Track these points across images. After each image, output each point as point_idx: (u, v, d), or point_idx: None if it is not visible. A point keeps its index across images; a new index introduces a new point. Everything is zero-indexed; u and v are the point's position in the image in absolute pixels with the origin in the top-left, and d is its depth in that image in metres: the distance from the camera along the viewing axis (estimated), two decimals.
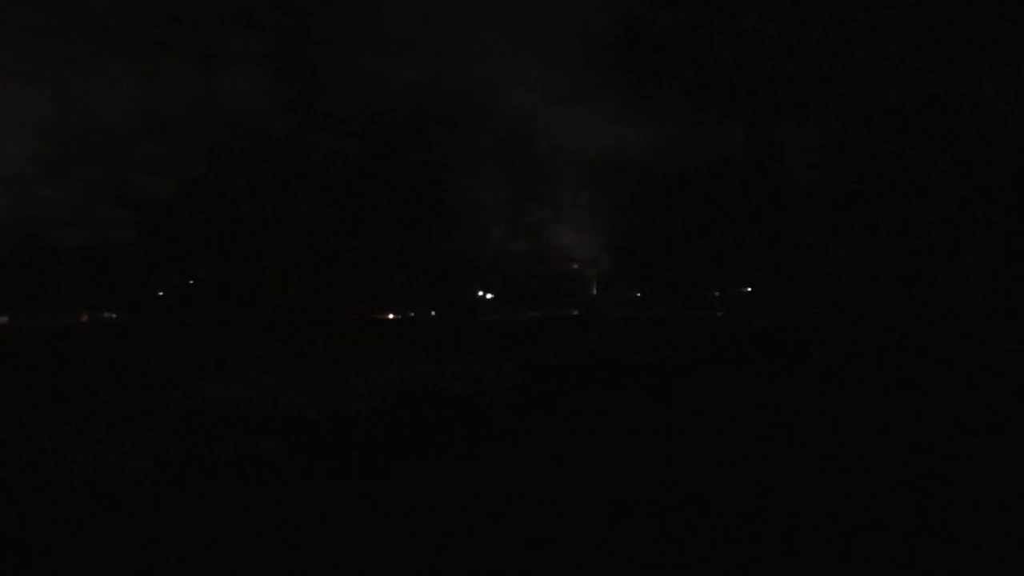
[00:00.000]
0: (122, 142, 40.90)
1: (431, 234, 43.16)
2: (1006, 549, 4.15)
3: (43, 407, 7.91)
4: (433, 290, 46.29)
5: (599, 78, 40.81)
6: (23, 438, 6.65)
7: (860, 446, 6.42)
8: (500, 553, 4.17)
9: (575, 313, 46.89)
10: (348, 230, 42.35)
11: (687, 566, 4.00)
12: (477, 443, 6.65)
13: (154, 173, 42.26)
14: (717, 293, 45.38)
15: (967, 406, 7.81)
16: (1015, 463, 5.83)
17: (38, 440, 6.56)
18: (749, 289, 42.06)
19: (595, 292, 47.81)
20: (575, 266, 48.27)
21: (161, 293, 46.43)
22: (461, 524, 4.61)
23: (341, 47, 43.53)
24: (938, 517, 4.64)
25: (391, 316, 48.96)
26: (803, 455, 6.15)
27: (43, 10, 48.83)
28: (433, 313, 48.45)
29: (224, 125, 41.44)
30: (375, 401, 8.25)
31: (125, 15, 41.00)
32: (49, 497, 5.19)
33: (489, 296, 48.77)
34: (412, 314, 49.19)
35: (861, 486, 5.29)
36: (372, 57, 43.00)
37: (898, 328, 20.21)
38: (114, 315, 47.93)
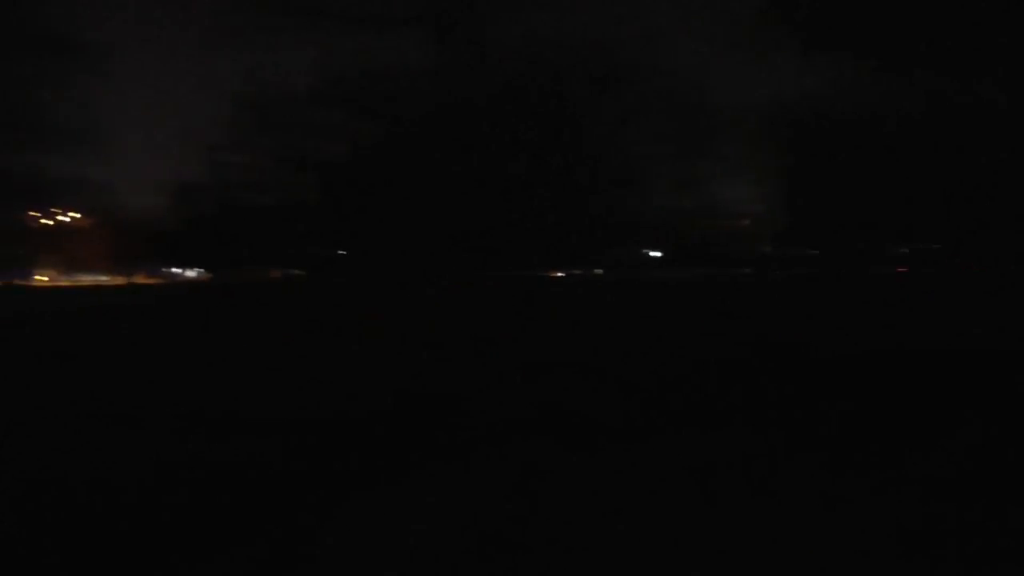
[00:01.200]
0: (299, 108, 43.31)
1: (594, 192, 42.67)
2: (1005, 548, 4.08)
3: (43, 407, 8.45)
4: (598, 249, 45.84)
5: (771, 23, 38.16)
6: (23, 438, 7.15)
7: (860, 445, 5.99)
8: (502, 555, 4.13)
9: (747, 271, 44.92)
10: (513, 189, 42.67)
11: (687, 566, 3.94)
12: (479, 444, 6.52)
13: (330, 137, 44.38)
14: (905, 250, 41.90)
15: (966, 405, 7.23)
16: (1015, 463, 5.59)
17: (38, 440, 7.03)
18: (938, 246, 38.49)
19: (769, 249, 45.44)
20: (745, 222, 45.98)
21: (342, 253, 49.11)
22: (461, 524, 4.58)
23: (505, 4, 43.38)
24: (937, 516, 4.54)
25: (559, 274, 49.22)
26: (802, 455, 5.86)
27: None
28: (599, 271, 48.15)
29: (393, 88, 42.78)
30: (375, 401, 8.28)
31: None
32: (49, 497, 5.50)
33: (655, 254, 47.68)
34: (578, 272, 49.19)
35: (861, 485, 5.15)
36: (536, 14, 42.54)
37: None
38: (303, 273, 51.43)
